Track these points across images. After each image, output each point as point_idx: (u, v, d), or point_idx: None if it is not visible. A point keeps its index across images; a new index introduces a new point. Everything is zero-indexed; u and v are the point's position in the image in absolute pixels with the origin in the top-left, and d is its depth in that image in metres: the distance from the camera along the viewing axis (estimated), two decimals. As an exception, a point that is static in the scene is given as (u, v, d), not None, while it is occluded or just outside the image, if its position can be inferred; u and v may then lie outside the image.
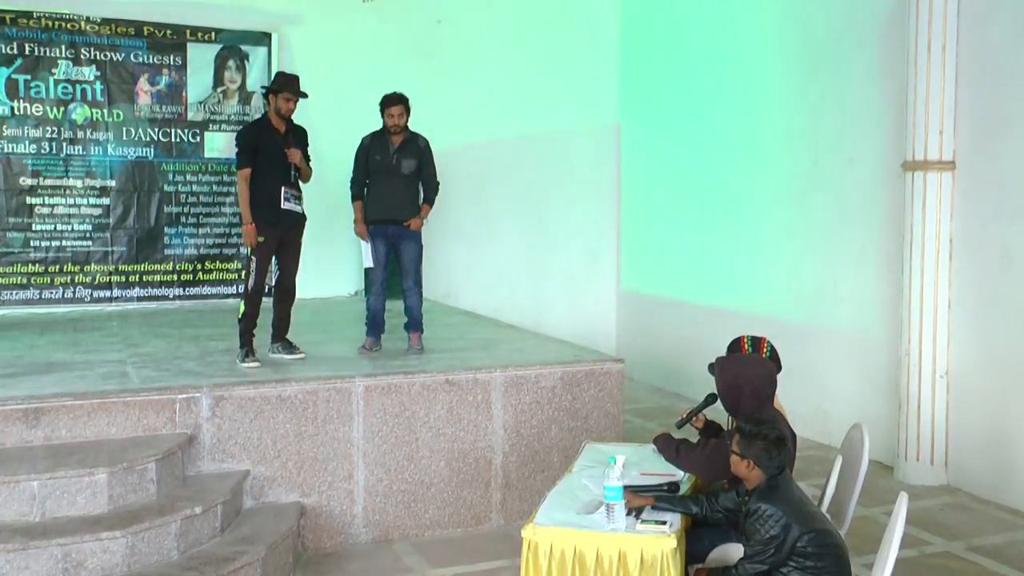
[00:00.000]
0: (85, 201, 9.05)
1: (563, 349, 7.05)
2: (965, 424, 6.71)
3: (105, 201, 9.12)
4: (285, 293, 6.55)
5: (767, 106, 8.71)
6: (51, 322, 8.40)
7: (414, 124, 6.75)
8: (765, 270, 8.72)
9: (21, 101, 8.78)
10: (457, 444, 5.94)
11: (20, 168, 8.83)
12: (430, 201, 6.79)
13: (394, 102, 6.59)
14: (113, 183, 9.13)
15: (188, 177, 9.38)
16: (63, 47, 8.87)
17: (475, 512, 6.01)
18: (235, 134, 6.78)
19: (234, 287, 9.34)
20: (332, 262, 9.75)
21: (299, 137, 6.46)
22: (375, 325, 6.76)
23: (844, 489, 4.37)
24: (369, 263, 7.03)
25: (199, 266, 9.45)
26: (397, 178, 6.64)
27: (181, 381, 5.66)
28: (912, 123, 6.79)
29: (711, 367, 4.46)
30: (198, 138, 9.39)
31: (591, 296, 11.03)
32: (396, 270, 6.91)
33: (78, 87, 8.95)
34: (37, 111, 8.84)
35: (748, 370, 4.36)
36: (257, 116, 8.18)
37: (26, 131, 8.81)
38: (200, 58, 9.32)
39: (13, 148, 8.79)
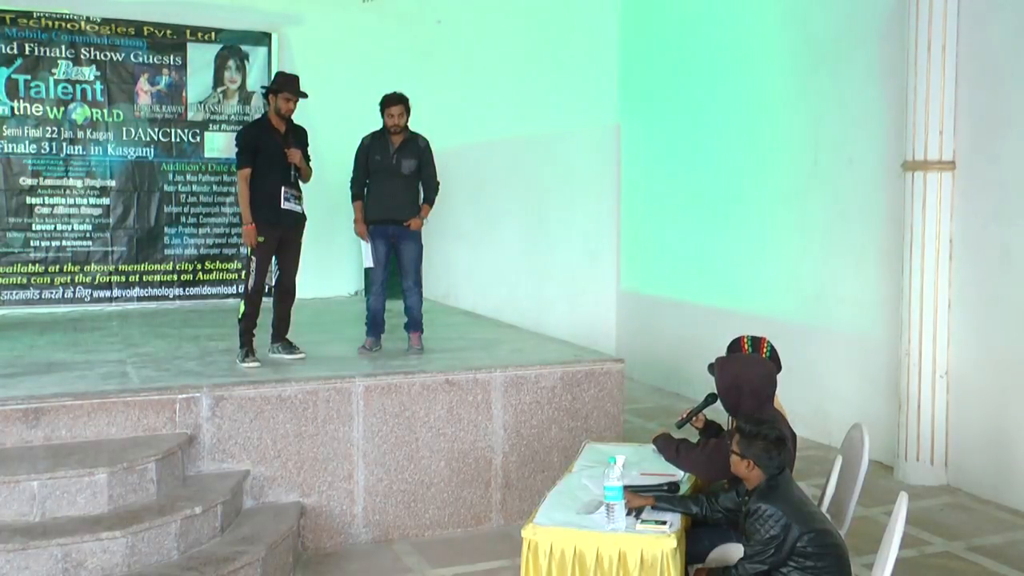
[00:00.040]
0: (85, 201, 9.06)
1: (563, 349, 7.05)
2: (965, 424, 6.71)
3: (105, 201, 9.13)
4: (285, 293, 6.55)
5: (767, 106, 8.71)
6: (51, 322, 8.41)
7: (414, 124, 6.75)
8: (765, 270, 8.72)
9: (21, 101, 8.78)
10: (457, 444, 5.94)
11: (20, 168, 8.84)
12: (430, 201, 6.79)
13: (394, 102, 6.59)
14: (113, 183, 9.13)
15: (188, 177, 9.38)
16: (63, 47, 8.87)
17: (475, 512, 6.01)
18: (235, 134, 6.78)
19: (234, 287, 9.35)
20: (332, 262, 9.75)
21: (299, 137, 6.46)
22: (375, 325, 6.76)
23: (844, 489, 4.37)
24: (369, 263, 7.03)
25: (199, 266, 9.46)
26: (397, 178, 6.63)
27: (181, 381, 5.66)
28: (912, 123, 6.79)
29: (711, 367, 4.46)
30: (198, 138, 9.39)
31: (591, 296, 11.03)
32: (396, 270, 6.91)
33: (78, 87, 8.95)
34: (37, 111, 8.85)
35: (748, 370, 4.36)
36: (257, 116, 8.18)
37: (26, 131, 8.81)
38: (200, 58, 9.33)
39: (13, 148, 8.79)
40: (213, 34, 9.36)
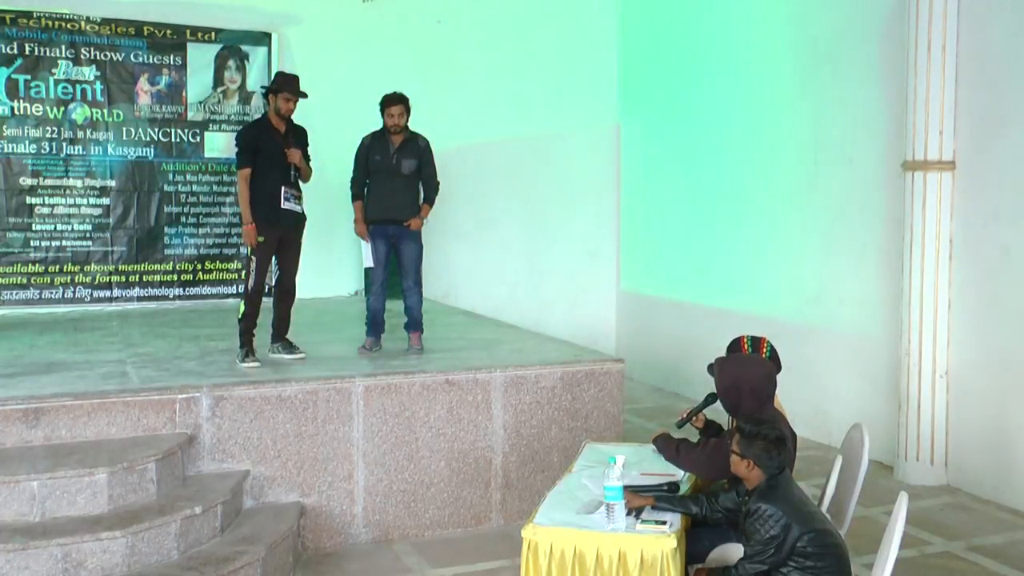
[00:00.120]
0: (85, 201, 9.06)
1: (563, 349, 7.05)
2: (965, 424, 6.71)
3: (105, 201, 9.13)
4: (285, 293, 6.55)
5: (767, 106, 8.71)
6: (51, 322, 8.40)
7: (414, 124, 6.75)
8: (765, 270, 8.72)
9: (21, 101, 8.79)
10: (457, 444, 5.94)
11: (20, 168, 8.84)
12: (430, 201, 6.79)
13: (394, 102, 6.59)
14: (113, 183, 9.13)
15: (188, 177, 9.38)
16: (63, 47, 8.87)
17: (475, 512, 6.01)
18: (235, 134, 6.78)
19: (234, 287, 9.35)
20: (332, 262, 9.75)
21: (299, 137, 6.46)
22: (375, 325, 6.76)
23: (844, 489, 4.36)
24: (369, 263, 7.03)
25: (199, 266, 9.46)
26: (397, 178, 6.63)
27: (181, 381, 5.66)
28: (912, 123, 6.79)
29: (711, 368, 4.46)
30: (198, 138, 9.39)
31: (591, 296, 11.03)
32: (396, 270, 6.91)
33: (78, 87, 8.95)
34: (37, 111, 8.85)
35: (748, 370, 4.36)
36: (257, 116, 8.18)
37: (26, 131, 8.81)
38: (200, 58, 9.33)
39: (13, 148, 8.79)
40: (213, 34, 9.36)
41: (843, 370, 7.82)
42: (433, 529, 5.90)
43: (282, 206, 6.30)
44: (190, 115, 9.34)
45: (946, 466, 6.82)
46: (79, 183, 9.02)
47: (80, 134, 8.99)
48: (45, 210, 8.93)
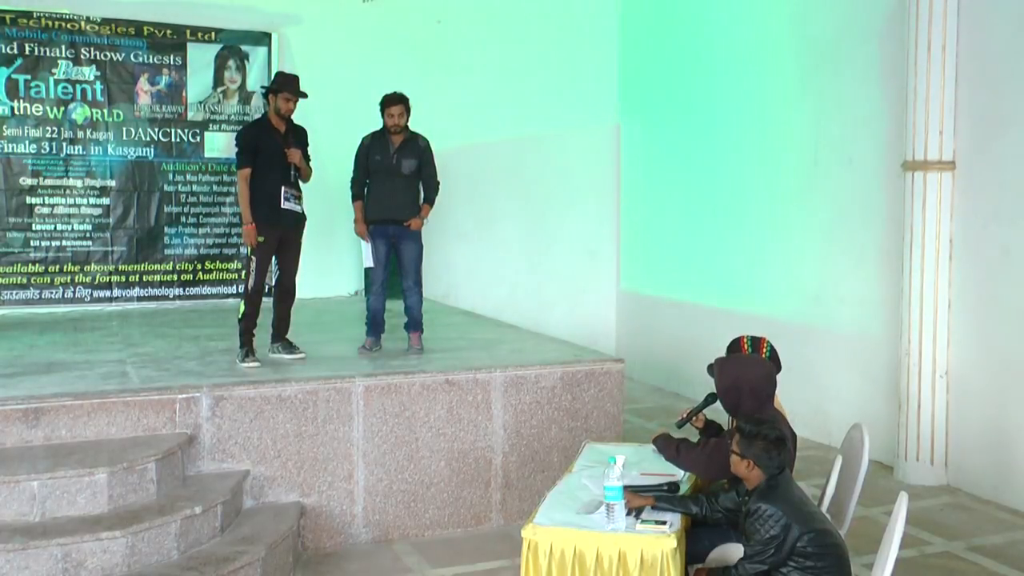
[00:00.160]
0: (85, 201, 9.06)
1: (563, 349, 7.05)
2: (965, 424, 6.71)
3: (105, 201, 9.13)
4: (285, 293, 6.55)
5: (767, 106, 8.71)
6: (51, 322, 8.40)
7: (414, 124, 6.75)
8: (765, 270, 8.72)
9: (21, 101, 8.79)
10: (457, 444, 5.94)
11: (20, 168, 8.84)
12: (430, 201, 6.79)
13: (394, 102, 6.59)
14: (113, 183, 9.14)
15: (188, 177, 9.38)
16: (63, 47, 8.87)
17: (475, 512, 6.01)
18: (235, 134, 6.78)
19: (234, 287, 9.35)
20: (332, 262, 9.76)
21: (299, 137, 6.46)
22: (375, 325, 6.76)
23: (844, 489, 4.36)
24: (369, 263, 7.03)
25: (199, 266, 9.46)
26: (397, 178, 6.63)
27: (181, 381, 5.66)
28: (912, 123, 6.79)
29: (710, 368, 4.46)
30: (198, 138, 9.39)
31: (591, 296, 11.03)
32: (396, 270, 6.91)
33: (78, 87, 8.95)
34: (37, 111, 8.85)
35: (748, 370, 4.36)
36: (257, 116, 8.17)
37: (26, 131, 8.81)
38: (200, 58, 9.33)
39: (13, 148, 8.79)
40: (213, 34, 9.37)
41: (843, 370, 7.82)
42: (433, 529, 5.90)
43: (282, 206, 6.30)
44: (190, 115, 9.34)
45: (946, 466, 6.82)
46: (79, 183, 9.02)
47: (80, 134, 8.99)
48: (45, 210, 8.94)
